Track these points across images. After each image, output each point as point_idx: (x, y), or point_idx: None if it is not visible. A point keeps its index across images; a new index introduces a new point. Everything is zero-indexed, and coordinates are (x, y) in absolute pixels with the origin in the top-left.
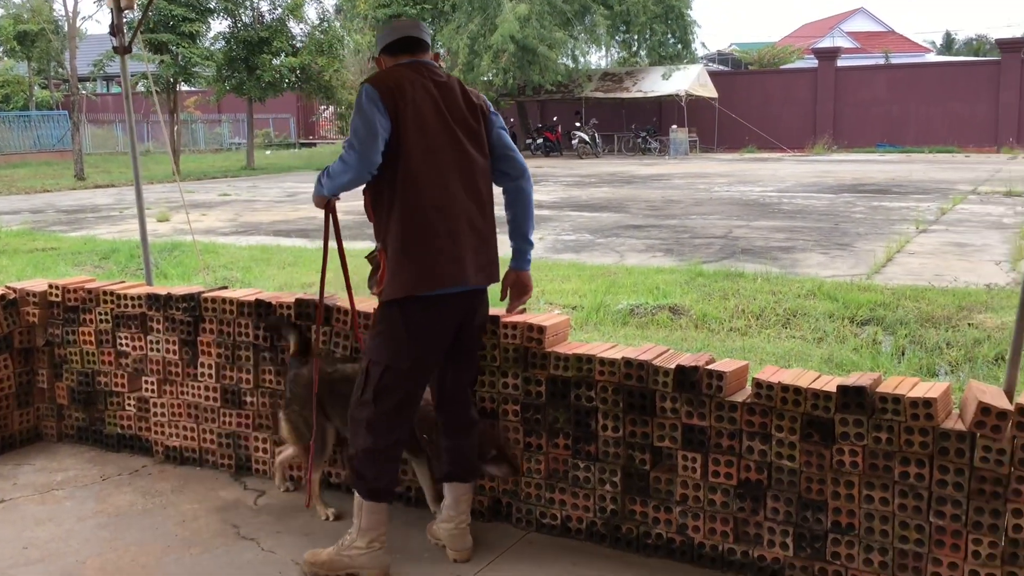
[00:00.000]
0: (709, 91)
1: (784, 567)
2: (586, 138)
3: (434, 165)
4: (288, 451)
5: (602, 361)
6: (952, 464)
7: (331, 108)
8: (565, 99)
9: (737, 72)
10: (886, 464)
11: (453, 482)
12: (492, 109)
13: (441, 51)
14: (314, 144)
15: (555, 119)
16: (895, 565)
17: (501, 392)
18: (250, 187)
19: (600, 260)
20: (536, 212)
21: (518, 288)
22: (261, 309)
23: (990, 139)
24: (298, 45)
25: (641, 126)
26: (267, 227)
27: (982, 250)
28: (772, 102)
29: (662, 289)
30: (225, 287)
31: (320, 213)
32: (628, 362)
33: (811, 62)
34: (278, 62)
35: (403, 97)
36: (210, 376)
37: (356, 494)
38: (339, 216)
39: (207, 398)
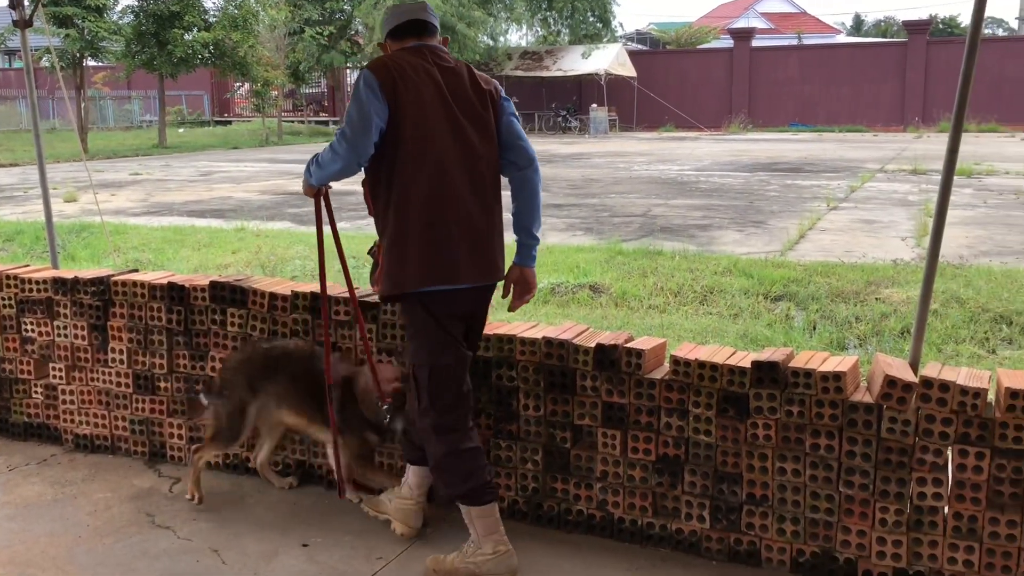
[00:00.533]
0: (628, 70)
1: (701, 539)
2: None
3: (433, 156)
4: (265, 446)
5: (523, 341)
6: (860, 435)
7: (246, 85)
8: None
9: (655, 51)
10: (798, 436)
11: (421, 465)
12: (503, 95)
13: (360, 27)
14: (229, 122)
15: None
16: (807, 534)
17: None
18: (163, 166)
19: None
20: None
21: (521, 285)
22: (174, 292)
23: (897, 118)
24: (211, 20)
25: (561, 105)
26: (180, 207)
27: (889, 227)
28: (689, 81)
29: (582, 268)
30: (136, 270)
31: (310, 202)
32: (548, 341)
33: (727, 42)
34: (190, 37)
35: (404, 84)
36: (121, 362)
37: (460, 505)
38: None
39: (119, 384)
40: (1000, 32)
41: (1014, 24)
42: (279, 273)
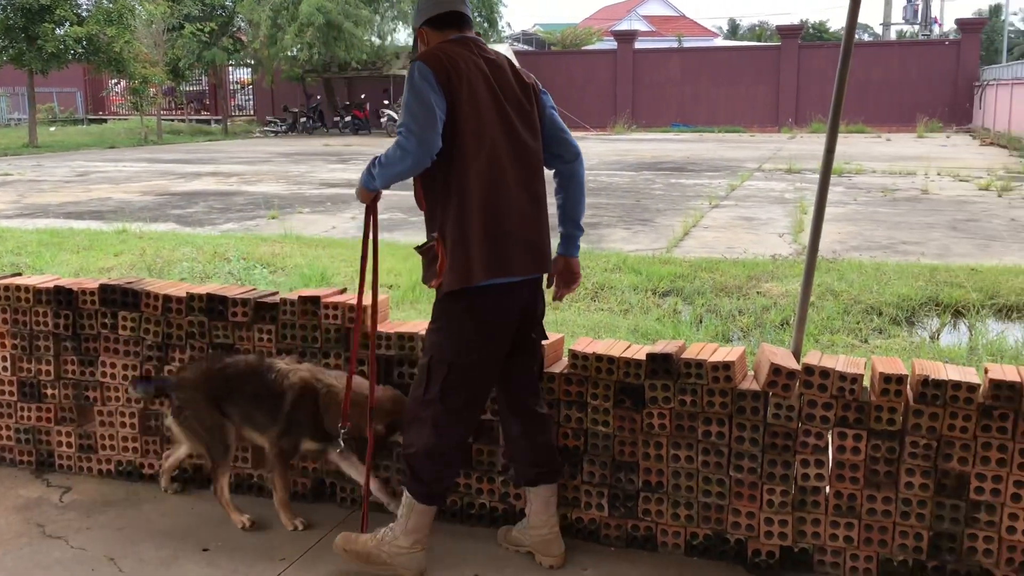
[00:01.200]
0: None
1: (600, 527)
2: (395, 116)
3: (488, 150)
4: (179, 452)
5: (423, 338)
6: (748, 421)
7: (122, 82)
8: (373, 76)
9: (541, 52)
10: (691, 425)
11: (540, 485)
12: (543, 88)
13: (242, 24)
14: (105, 120)
15: (363, 97)
16: (699, 518)
17: None
18: (34, 166)
19: (414, 238)
20: (347, 191)
21: (567, 275)
22: (61, 296)
23: (772, 119)
24: (84, 14)
25: None
26: (56, 209)
27: (767, 223)
28: (575, 82)
29: None
30: (19, 273)
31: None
32: None
33: (611, 44)
34: (62, 32)
35: (458, 76)
36: (5, 369)
37: (407, 493)
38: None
39: (2, 392)
40: (866, 37)
41: (879, 29)
42: (167, 276)
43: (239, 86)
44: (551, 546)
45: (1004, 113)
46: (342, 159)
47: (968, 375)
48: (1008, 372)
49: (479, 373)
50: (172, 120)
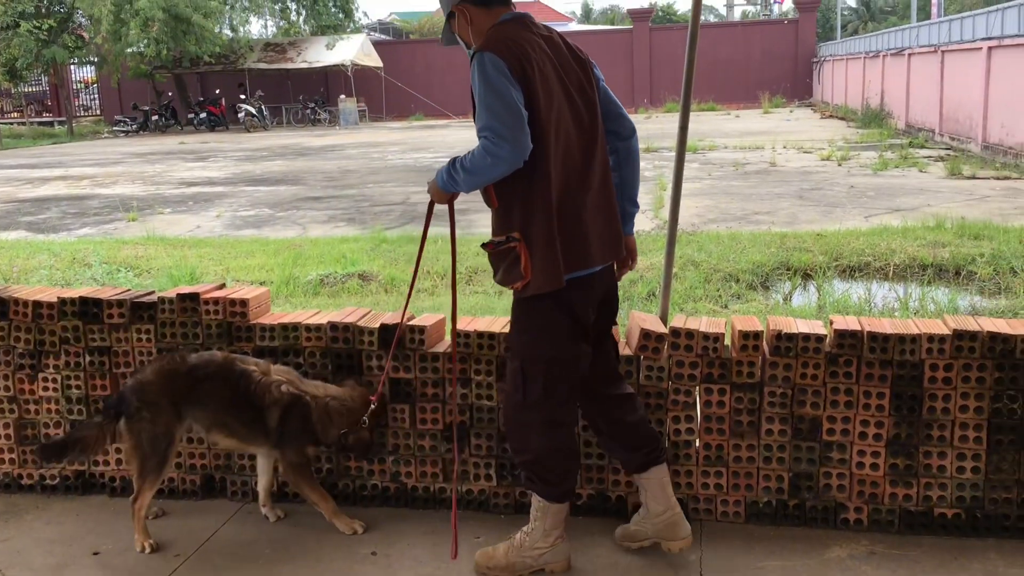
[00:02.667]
0: (374, 60)
1: (489, 496)
2: (253, 111)
3: (565, 141)
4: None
5: (308, 327)
6: None
7: None
8: (227, 71)
9: (400, 41)
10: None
11: (651, 468)
12: (593, 61)
13: (83, 20)
14: None
15: (218, 92)
16: (583, 479)
17: None
18: None
19: (283, 234)
20: (208, 189)
21: (627, 254)
22: None
23: (628, 101)
24: None
25: (309, 97)
26: None
27: None
28: (435, 70)
29: (349, 257)
30: None
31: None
32: (333, 326)
33: None
34: None
35: (531, 65)
36: None
37: (537, 498)
38: None
39: None
40: (712, 18)
41: (723, 11)
42: (24, 284)
43: (83, 85)
44: (678, 528)
45: (840, 87)
46: (200, 157)
47: (816, 328)
48: (851, 323)
49: (576, 362)
50: (12, 124)
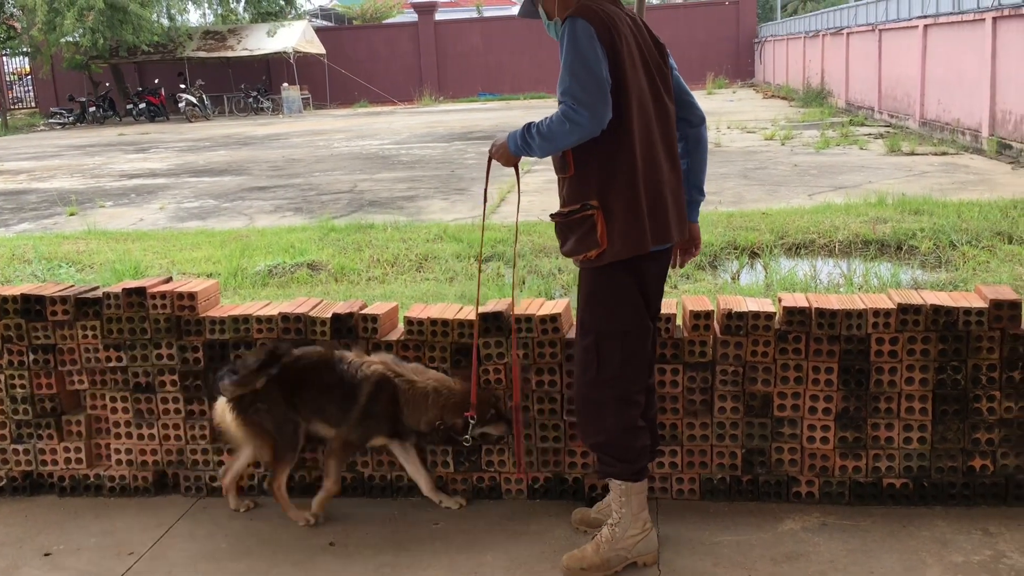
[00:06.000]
0: (317, 47)
1: (448, 482)
2: (194, 100)
3: (643, 113)
4: (240, 462)
5: (259, 319)
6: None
7: None
8: (165, 60)
9: (342, 27)
10: (524, 377)
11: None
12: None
13: (14, 10)
14: None
15: (156, 82)
16: (539, 463)
17: (156, 364)
18: None
19: (229, 224)
20: (151, 181)
21: (691, 241)
22: None
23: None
24: None
25: (251, 85)
26: None
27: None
28: (379, 56)
29: (297, 247)
30: None
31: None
32: (285, 316)
33: (411, 16)
34: None
35: (617, 34)
36: None
37: (615, 482)
38: None
39: None
40: (655, 1)
41: None
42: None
43: (16, 77)
44: (650, 543)
45: (782, 67)
46: (140, 148)
47: (765, 306)
48: (798, 299)
49: (647, 337)
50: None
